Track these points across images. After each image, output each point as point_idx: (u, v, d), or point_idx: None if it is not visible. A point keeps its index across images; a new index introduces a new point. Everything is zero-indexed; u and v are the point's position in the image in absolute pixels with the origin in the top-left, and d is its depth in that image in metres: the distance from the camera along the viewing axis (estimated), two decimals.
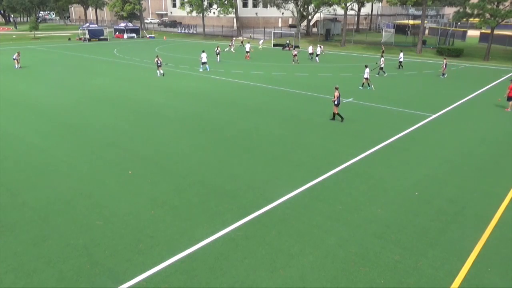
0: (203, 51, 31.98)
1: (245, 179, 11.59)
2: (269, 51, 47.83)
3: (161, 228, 9.00)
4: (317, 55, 39.13)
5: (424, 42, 48.00)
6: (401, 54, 33.91)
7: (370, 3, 68.93)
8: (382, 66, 30.06)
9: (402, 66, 33.58)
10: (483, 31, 55.41)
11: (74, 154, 13.54)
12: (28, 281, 7.30)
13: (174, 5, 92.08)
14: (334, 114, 17.71)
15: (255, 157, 13.40)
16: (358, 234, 8.84)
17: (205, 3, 64.67)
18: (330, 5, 54.05)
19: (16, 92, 23.49)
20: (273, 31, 59.85)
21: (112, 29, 71.58)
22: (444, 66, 29.93)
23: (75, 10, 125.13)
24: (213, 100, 21.62)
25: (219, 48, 37.36)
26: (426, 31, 60.56)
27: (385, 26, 65.21)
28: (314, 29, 70.16)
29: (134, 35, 67.90)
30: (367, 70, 24.43)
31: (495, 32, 42.25)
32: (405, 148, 14.37)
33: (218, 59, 36.53)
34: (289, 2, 63.37)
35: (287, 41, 52.24)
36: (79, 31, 66.80)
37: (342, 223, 9.31)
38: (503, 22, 41.29)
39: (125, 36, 66.74)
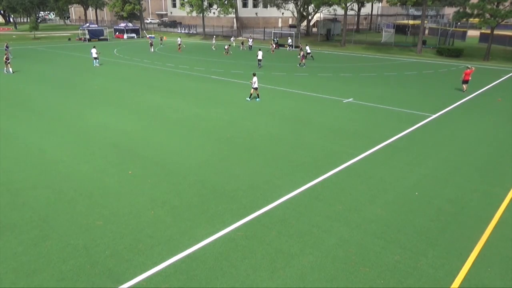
0: (94, 47, 35.92)
1: (245, 179, 11.58)
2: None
3: (161, 228, 9.00)
4: (289, 45, 48.47)
5: (424, 42, 47.99)
6: (307, 48, 38.69)
7: (370, 3, 68.97)
8: (261, 58, 33.43)
9: (313, 57, 37.02)
10: (483, 31, 55.42)
11: (74, 154, 13.54)
12: (28, 281, 7.30)
13: (174, 5, 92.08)
14: None
15: (255, 157, 13.40)
16: (358, 234, 8.84)
17: (205, 3, 64.66)
18: (330, 5, 54.04)
19: (16, 92, 23.49)
20: (273, 31, 59.87)
21: (112, 29, 71.61)
22: (301, 57, 34.56)
23: (75, 10, 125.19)
24: (213, 100, 21.63)
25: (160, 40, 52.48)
26: (426, 31, 60.54)
27: (385, 26, 65.19)
28: (314, 29, 70.17)
29: (134, 35, 67.95)
30: (255, 79, 21.06)
31: (495, 32, 42.23)
32: (405, 148, 14.36)
33: (152, 50, 46.42)
34: (289, 2, 63.37)
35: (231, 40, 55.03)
36: (79, 31, 66.88)
37: (342, 223, 9.30)
38: (503, 22, 41.28)
39: (125, 36, 66.78)
